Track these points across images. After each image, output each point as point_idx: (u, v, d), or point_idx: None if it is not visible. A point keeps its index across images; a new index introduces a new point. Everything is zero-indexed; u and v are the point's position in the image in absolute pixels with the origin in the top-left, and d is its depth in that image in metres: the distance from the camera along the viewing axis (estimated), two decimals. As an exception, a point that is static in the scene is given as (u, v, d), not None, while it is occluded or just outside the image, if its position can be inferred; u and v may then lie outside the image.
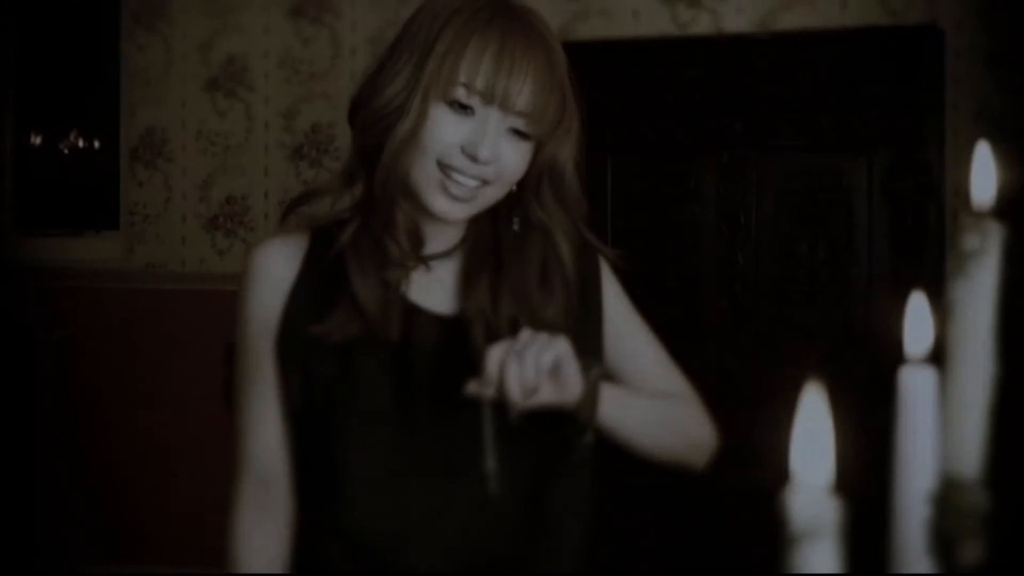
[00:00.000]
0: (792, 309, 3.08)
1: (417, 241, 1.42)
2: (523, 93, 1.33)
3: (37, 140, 4.31)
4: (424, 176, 1.36)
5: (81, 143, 4.29)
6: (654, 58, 3.20)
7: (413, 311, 1.43)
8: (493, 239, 1.46)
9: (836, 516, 0.50)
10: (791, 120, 3.06)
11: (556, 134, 1.38)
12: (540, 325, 1.39)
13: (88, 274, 4.04)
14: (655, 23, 3.47)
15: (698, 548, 2.93)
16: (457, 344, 1.42)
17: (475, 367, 1.38)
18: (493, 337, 1.39)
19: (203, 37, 3.94)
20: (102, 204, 4.14)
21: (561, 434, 1.39)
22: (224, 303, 3.83)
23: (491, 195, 1.39)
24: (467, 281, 1.45)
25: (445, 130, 1.34)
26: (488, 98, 1.33)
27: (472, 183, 1.36)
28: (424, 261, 1.44)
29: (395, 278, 1.40)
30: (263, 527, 1.46)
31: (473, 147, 1.33)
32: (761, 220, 3.11)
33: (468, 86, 1.33)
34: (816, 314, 3.06)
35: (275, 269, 1.45)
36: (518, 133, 1.36)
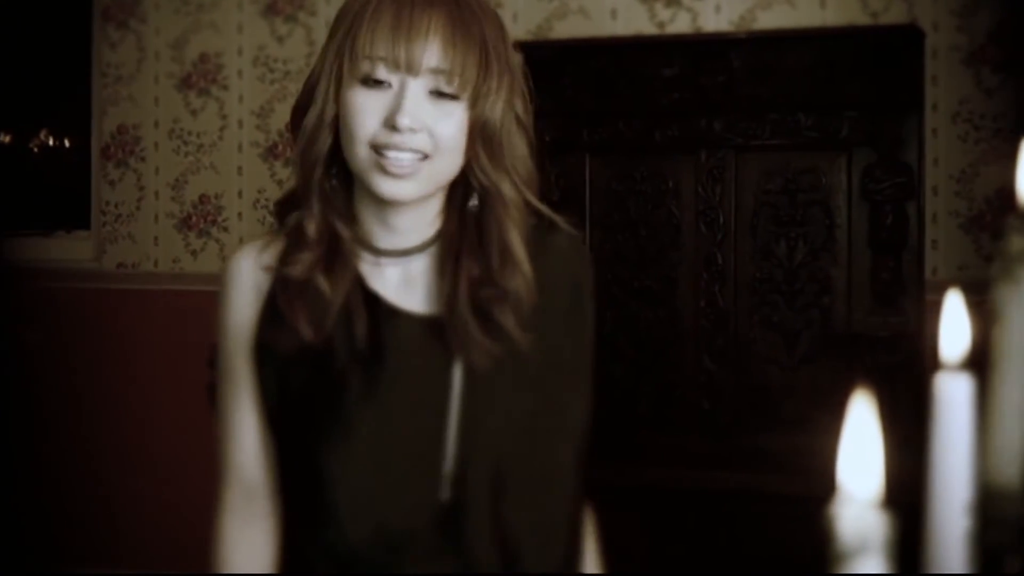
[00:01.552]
0: (771, 309, 3.07)
1: (329, 232, 1.38)
2: (429, 51, 1.31)
3: (6, 139, 4.25)
4: (362, 163, 1.34)
5: (52, 142, 4.24)
6: (632, 57, 3.17)
7: (390, 313, 1.39)
8: (460, 224, 1.42)
9: (885, 531, 0.47)
10: (770, 120, 3.04)
11: (483, 91, 1.34)
12: (505, 299, 1.37)
13: (59, 274, 3.99)
14: (633, 22, 3.45)
15: (680, 547, 2.91)
16: (434, 344, 1.38)
17: (450, 366, 1.36)
18: (460, 330, 1.36)
19: (176, 35, 3.90)
20: (73, 204, 4.09)
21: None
22: (197, 303, 3.81)
23: (438, 168, 1.35)
24: (439, 275, 1.41)
25: (363, 107, 1.32)
26: (393, 64, 1.31)
27: (407, 157, 1.32)
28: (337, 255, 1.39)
29: (296, 274, 1.36)
30: (248, 534, 1.43)
31: (392, 117, 1.30)
32: (740, 220, 3.09)
33: (371, 57, 1.31)
34: (795, 315, 3.05)
35: (251, 275, 1.42)
36: (442, 95, 1.33)
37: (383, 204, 1.38)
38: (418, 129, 1.31)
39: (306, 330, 1.35)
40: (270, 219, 3.81)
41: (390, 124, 1.31)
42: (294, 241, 1.39)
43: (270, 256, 1.41)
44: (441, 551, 1.37)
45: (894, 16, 3.19)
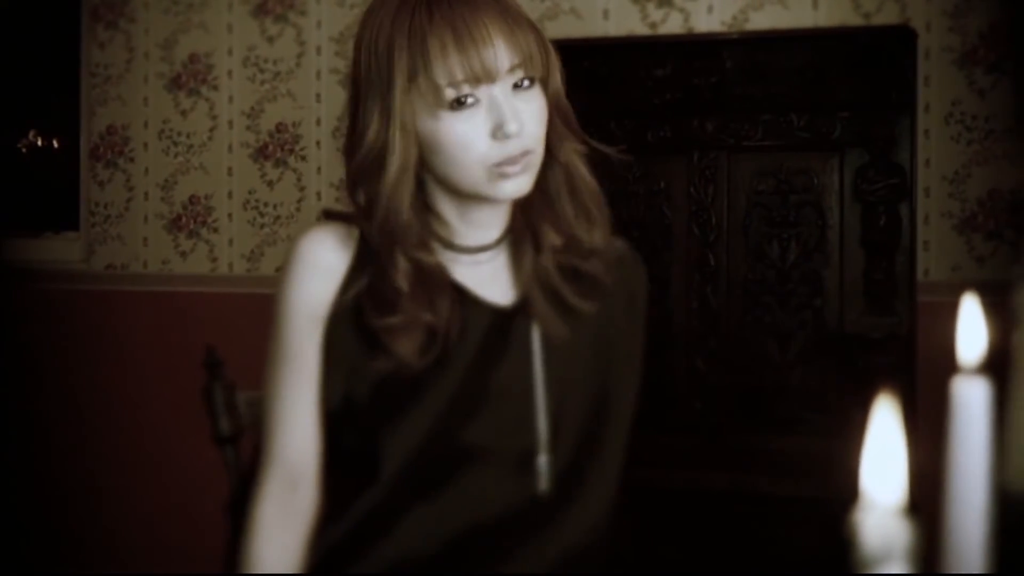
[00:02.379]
0: (763, 311, 3.06)
1: (423, 280, 1.37)
2: (500, 53, 1.32)
3: (-6, 139, 4.23)
4: (478, 182, 1.35)
5: (40, 142, 4.21)
6: (624, 57, 3.16)
7: (474, 305, 1.40)
8: (525, 201, 1.45)
9: (908, 538, 0.46)
10: (762, 120, 3.03)
11: (551, 67, 1.38)
12: (585, 252, 1.40)
13: (48, 276, 3.96)
14: (625, 22, 3.44)
15: (671, 548, 2.89)
16: (516, 335, 1.40)
17: (530, 356, 1.38)
18: (541, 302, 1.38)
19: (165, 34, 3.88)
20: (62, 204, 4.06)
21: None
22: (187, 305, 3.79)
23: (537, 155, 1.37)
24: (517, 260, 1.43)
25: (466, 132, 1.32)
26: (475, 79, 1.31)
27: (520, 161, 1.34)
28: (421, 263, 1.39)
29: (399, 323, 1.35)
30: (286, 525, 1.40)
31: (499, 129, 1.32)
32: (732, 221, 3.09)
33: (452, 83, 1.31)
34: (787, 316, 3.04)
35: (326, 257, 1.40)
36: (521, 87, 1.34)
37: (467, 201, 1.40)
38: (522, 129, 1.33)
39: (414, 359, 1.34)
40: (260, 220, 3.80)
41: (500, 136, 1.32)
42: (378, 286, 1.37)
43: (348, 254, 1.40)
44: (534, 542, 1.38)
45: (886, 16, 3.19)
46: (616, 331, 1.47)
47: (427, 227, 1.42)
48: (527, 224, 1.43)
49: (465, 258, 1.43)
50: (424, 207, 1.42)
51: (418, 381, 1.36)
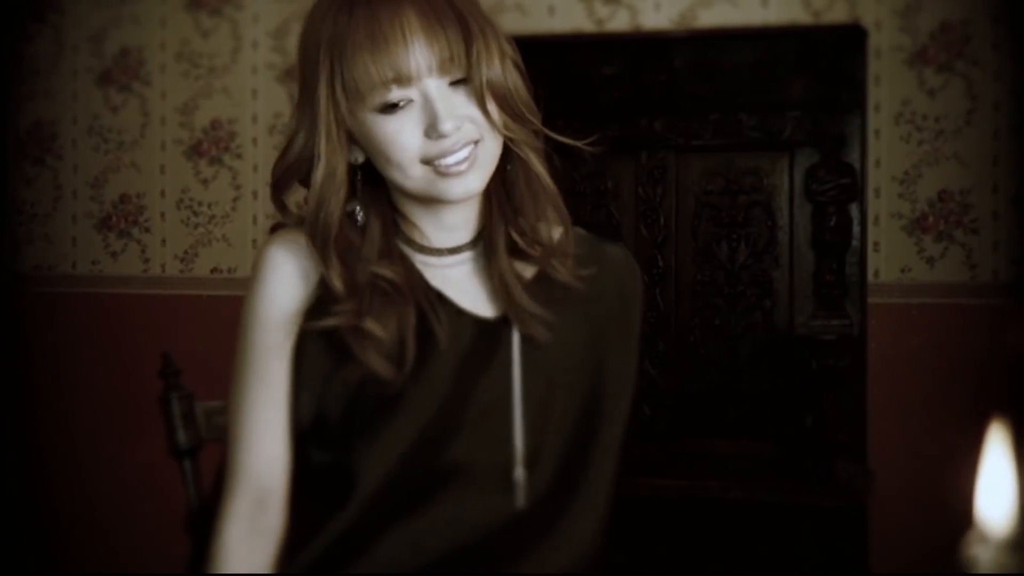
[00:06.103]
0: (712, 312, 3.02)
1: (356, 293, 1.31)
2: (417, 53, 1.26)
3: (-85, 135, 4.08)
4: (419, 181, 1.30)
5: (-37, 138, 4.08)
6: (570, 55, 3.11)
7: (456, 315, 1.35)
8: (488, 197, 1.40)
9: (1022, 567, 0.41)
10: (711, 120, 3.00)
11: (479, 61, 1.29)
12: (556, 255, 1.36)
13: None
14: (571, 19, 3.38)
15: (622, 555, 2.85)
16: (497, 346, 1.34)
17: (510, 368, 1.33)
18: (530, 306, 1.34)
19: (96, 28, 3.76)
20: (-14, 203, 3.94)
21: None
22: (117, 307, 3.67)
23: (489, 149, 1.32)
24: (489, 265, 1.38)
25: (398, 131, 1.28)
26: (392, 81, 1.26)
27: (463, 153, 1.28)
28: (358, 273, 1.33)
29: (330, 325, 1.30)
30: (253, 545, 1.33)
31: (433, 128, 1.27)
32: (681, 222, 3.05)
33: (371, 87, 1.27)
34: (737, 318, 3.01)
35: (296, 264, 1.34)
36: (458, 82, 1.29)
37: (435, 203, 1.34)
38: (461, 125, 1.28)
39: (385, 370, 1.28)
40: (195, 219, 3.70)
41: (435, 134, 1.27)
42: (322, 296, 1.33)
43: (313, 264, 1.35)
44: (517, 562, 1.33)
45: (837, 15, 3.16)
46: (608, 337, 1.42)
47: (395, 231, 1.38)
48: (496, 225, 1.38)
49: (437, 260, 1.39)
50: (393, 209, 1.38)
51: (395, 395, 1.29)
